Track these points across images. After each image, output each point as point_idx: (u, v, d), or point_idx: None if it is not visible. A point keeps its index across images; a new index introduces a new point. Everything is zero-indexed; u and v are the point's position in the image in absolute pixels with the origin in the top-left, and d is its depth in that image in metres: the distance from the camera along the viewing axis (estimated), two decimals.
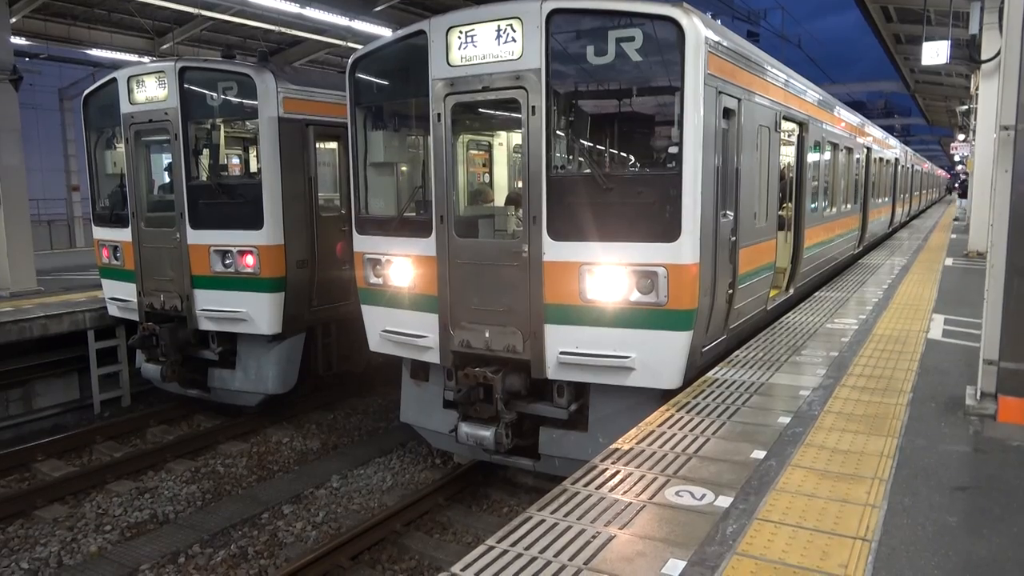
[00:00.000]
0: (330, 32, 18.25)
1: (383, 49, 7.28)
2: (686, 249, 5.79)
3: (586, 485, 4.05)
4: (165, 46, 18.18)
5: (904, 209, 26.93)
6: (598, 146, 6.93)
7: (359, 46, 9.28)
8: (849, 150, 13.54)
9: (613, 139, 6.87)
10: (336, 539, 6.48)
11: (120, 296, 10.09)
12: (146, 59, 16.98)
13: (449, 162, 6.69)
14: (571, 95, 6.40)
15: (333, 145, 9.87)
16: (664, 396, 5.95)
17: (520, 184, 7.04)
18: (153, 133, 9.59)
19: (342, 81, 7.67)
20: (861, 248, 16.17)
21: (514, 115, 6.58)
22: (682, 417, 5.17)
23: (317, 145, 9.30)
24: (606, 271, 6.02)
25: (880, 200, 18.82)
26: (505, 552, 3.34)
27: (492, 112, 8.17)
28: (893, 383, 5.93)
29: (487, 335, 6.55)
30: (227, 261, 8.98)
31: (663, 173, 6.05)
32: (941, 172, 62.06)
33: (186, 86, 9.07)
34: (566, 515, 3.69)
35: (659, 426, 5.00)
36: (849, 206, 14.03)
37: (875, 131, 18.44)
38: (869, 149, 16.19)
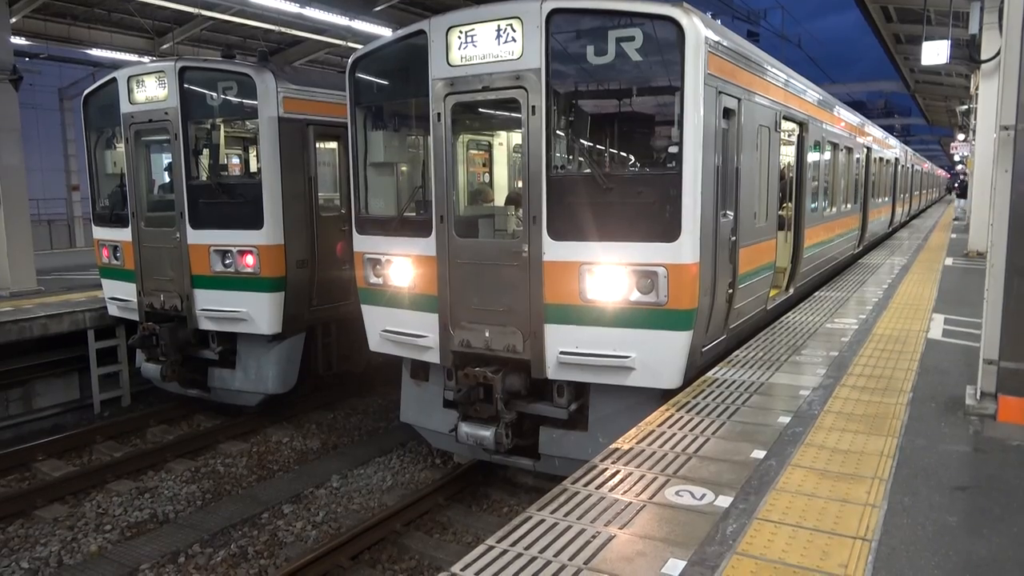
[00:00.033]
0: (330, 32, 18.25)
1: (383, 49, 7.28)
2: (686, 249, 5.80)
3: (586, 485, 4.06)
4: (165, 46, 18.18)
5: (904, 209, 26.93)
6: (598, 146, 6.93)
7: (359, 46, 9.28)
8: (849, 150, 13.54)
9: (613, 139, 6.87)
10: (336, 539, 6.48)
11: (120, 296, 10.09)
12: (146, 59, 16.97)
13: (449, 162, 6.69)
14: (571, 95, 6.40)
15: (333, 145, 9.87)
16: (664, 396, 5.95)
17: (520, 184, 7.05)
18: (153, 133, 9.59)
19: (342, 81, 7.67)
20: (861, 248, 16.17)
21: (514, 115, 6.58)
22: (682, 417, 5.17)
23: (317, 145, 9.30)
24: (606, 271, 6.02)
25: (880, 200, 18.82)
26: (505, 552, 3.34)
27: (492, 112, 8.17)
28: (893, 383, 5.93)
29: (487, 335, 6.55)
30: (227, 261, 8.98)
31: (663, 173, 6.05)
32: (941, 172, 62.06)
33: (186, 86, 9.07)
34: (566, 515, 3.69)
35: (659, 426, 5.00)
36: (849, 206, 14.03)
37: (875, 131, 18.44)
38: (869, 149, 16.19)
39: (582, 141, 6.64)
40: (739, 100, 6.79)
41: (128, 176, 9.72)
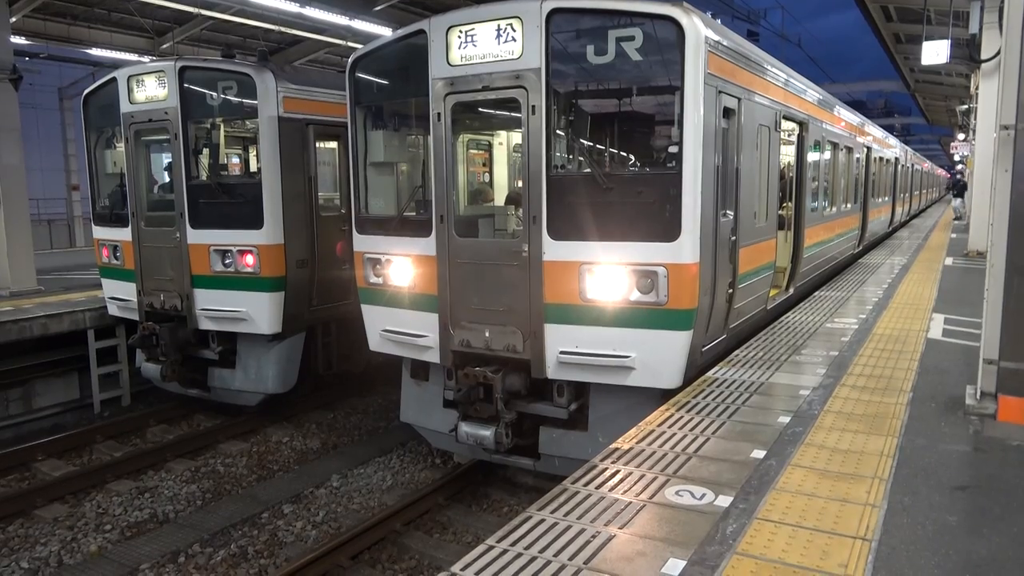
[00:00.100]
0: (330, 31, 18.25)
1: (383, 49, 7.28)
2: (686, 249, 5.79)
3: (586, 485, 4.05)
4: (165, 45, 18.18)
5: (904, 208, 26.93)
6: (598, 145, 6.93)
7: (359, 45, 9.28)
8: (849, 149, 13.54)
9: (613, 139, 6.87)
10: (336, 539, 6.48)
11: (120, 295, 10.09)
12: (146, 58, 16.97)
13: (449, 162, 6.69)
14: (571, 95, 6.40)
15: (333, 144, 9.87)
16: (664, 395, 5.95)
17: (520, 184, 7.05)
18: (153, 132, 9.59)
19: (342, 80, 7.67)
20: (861, 247, 16.17)
21: (514, 115, 6.58)
22: (682, 417, 5.17)
23: (317, 144, 9.30)
24: (606, 271, 6.02)
25: (880, 199, 18.82)
26: (505, 552, 3.34)
27: (492, 111, 8.17)
28: (893, 383, 5.93)
29: (487, 335, 6.55)
30: (227, 261, 8.98)
31: (663, 172, 6.05)
32: (941, 171, 62.07)
33: (186, 85, 9.07)
34: (566, 515, 3.69)
35: (659, 426, 5.00)
36: (849, 205, 14.03)
37: (875, 130, 18.44)
38: (869, 148, 16.19)
39: (582, 141, 6.64)
40: (739, 100, 6.79)
41: (128, 176, 9.72)
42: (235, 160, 11.34)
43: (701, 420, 5.08)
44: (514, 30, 6.16)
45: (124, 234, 9.88)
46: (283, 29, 17.34)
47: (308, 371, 9.89)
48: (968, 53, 14.89)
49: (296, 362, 9.54)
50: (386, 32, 13.58)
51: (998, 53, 10.80)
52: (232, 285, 8.99)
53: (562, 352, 6.26)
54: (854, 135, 14.20)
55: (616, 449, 4.58)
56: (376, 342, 7.56)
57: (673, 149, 5.87)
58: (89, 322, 10.34)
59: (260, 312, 8.93)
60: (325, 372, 10.27)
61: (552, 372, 6.39)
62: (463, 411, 6.75)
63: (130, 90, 9.47)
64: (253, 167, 10.32)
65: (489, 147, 10.29)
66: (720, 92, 6.22)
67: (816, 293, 10.66)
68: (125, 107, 9.54)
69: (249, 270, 8.87)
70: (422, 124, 6.91)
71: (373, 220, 7.50)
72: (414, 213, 7.36)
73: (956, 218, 29.08)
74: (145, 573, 6.26)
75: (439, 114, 6.63)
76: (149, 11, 16.38)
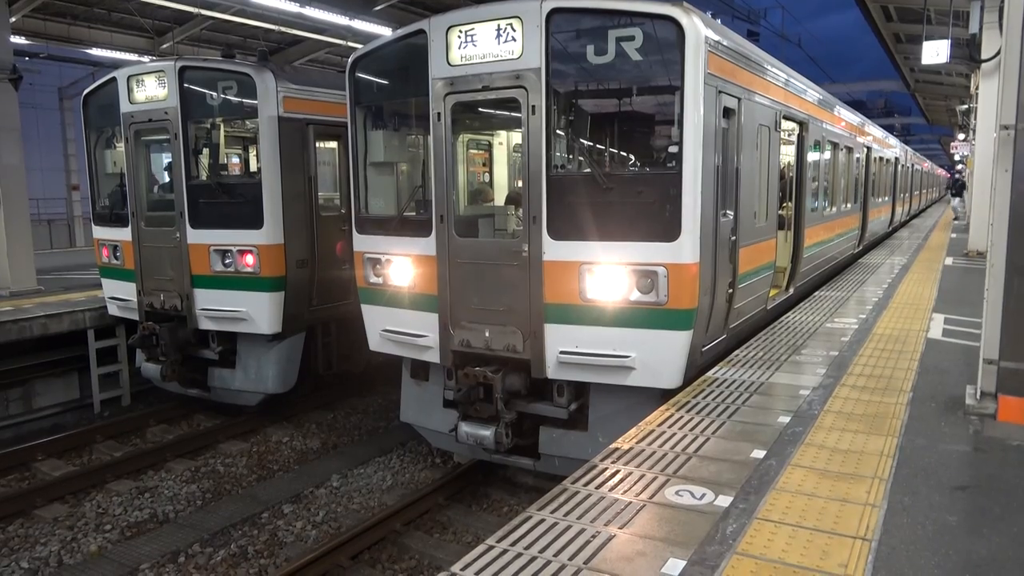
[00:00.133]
0: (330, 31, 18.25)
1: (383, 48, 7.28)
2: (686, 248, 5.79)
3: (586, 485, 4.05)
4: (165, 45, 18.18)
5: (904, 208, 26.93)
6: (598, 145, 6.93)
7: (359, 45, 9.28)
8: (849, 149, 13.54)
9: (613, 138, 6.87)
10: (336, 538, 6.48)
11: (120, 295, 10.09)
12: (146, 58, 16.97)
13: (449, 161, 6.69)
14: (571, 94, 6.40)
15: (333, 144, 9.87)
16: (664, 395, 5.95)
17: (520, 183, 7.05)
18: (153, 132, 9.59)
19: (342, 80, 7.67)
20: (861, 247, 16.17)
21: (514, 114, 6.58)
22: (682, 416, 5.17)
23: (317, 144, 9.30)
24: (606, 270, 6.02)
25: (880, 199, 18.82)
26: (505, 551, 3.34)
27: (492, 111, 8.17)
28: (893, 382, 5.93)
29: (487, 334, 6.55)
30: (227, 260, 8.98)
31: (663, 172, 6.05)
32: (941, 171, 62.05)
33: (186, 85, 9.07)
34: (566, 515, 3.69)
35: (659, 425, 5.00)
36: (849, 205, 14.03)
37: (875, 130, 18.44)
38: (869, 148, 16.19)
39: (582, 141, 6.64)
40: (739, 100, 6.79)
41: (128, 176, 9.72)
42: (235, 160, 11.34)
43: (701, 420, 5.08)
44: (514, 30, 6.16)
45: (124, 234, 9.88)
46: (283, 29, 17.34)
47: (308, 371, 9.88)
48: (968, 53, 14.88)
49: (296, 362, 9.54)
50: (386, 32, 13.58)
51: (998, 53, 10.80)
52: (232, 285, 8.99)
53: (562, 352, 6.26)
54: (854, 135, 14.20)
55: (616, 449, 4.58)
56: (376, 342, 7.56)
57: (673, 149, 5.87)
58: (89, 322, 10.34)
59: (260, 312, 8.93)
60: (325, 372, 10.27)
61: (552, 372, 6.39)
62: (463, 411, 6.75)
63: (130, 90, 9.47)
64: (253, 167, 10.32)
65: (489, 147, 10.29)
66: (720, 92, 6.22)
67: (816, 293, 10.66)
68: (125, 107, 9.54)
69: (249, 270, 8.87)
70: (422, 124, 6.91)
71: (373, 220, 7.50)
72: (414, 213, 7.35)
73: (955, 218, 29.15)
74: (145, 573, 6.26)
75: (439, 114, 6.63)
76: (149, 11, 16.38)
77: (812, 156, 10.45)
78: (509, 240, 6.97)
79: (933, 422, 4.99)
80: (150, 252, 9.64)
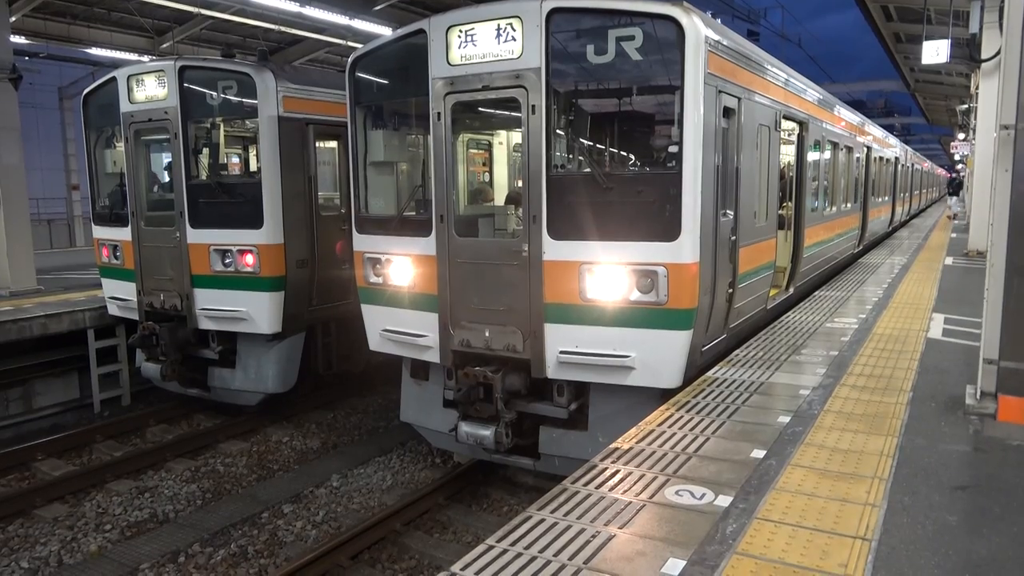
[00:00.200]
0: (330, 31, 18.26)
1: (383, 48, 7.28)
2: (686, 248, 5.79)
3: (586, 484, 4.05)
4: (165, 45, 18.18)
5: (904, 208, 26.93)
6: (598, 145, 6.92)
7: (359, 45, 9.28)
8: (849, 149, 13.54)
9: (613, 138, 6.87)
10: (336, 538, 6.48)
11: (120, 295, 10.09)
12: (146, 58, 16.97)
13: (449, 161, 6.69)
14: (571, 94, 6.40)
15: (333, 144, 9.87)
16: (664, 395, 5.95)
17: (520, 183, 7.04)
18: (153, 132, 9.59)
19: (342, 80, 7.67)
20: (861, 247, 16.17)
21: (514, 114, 6.58)
22: (682, 416, 5.17)
23: (317, 144, 9.29)
24: (606, 270, 6.01)
25: (880, 199, 18.82)
26: (505, 551, 3.34)
27: (492, 111, 8.17)
28: (893, 382, 5.93)
29: (487, 334, 6.55)
30: (227, 260, 8.98)
31: (663, 172, 6.05)
32: (941, 171, 62.06)
33: (186, 85, 9.07)
34: (566, 514, 3.69)
35: (659, 425, 5.00)
36: (849, 205, 14.03)
37: (875, 130, 18.44)
38: (869, 148, 16.19)
39: (582, 140, 6.64)
40: (739, 99, 6.79)
41: (128, 175, 9.72)
42: (235, 160, 11.34)
43: (701, 420, 5.08)
44: (514, 30, 6.16)
45: (124, 234, 9.88)
46: (283, 29, 17.35)
47: (308, 371, 9.88)
48: (968, 53, 14.90)
49: (296, 362, 9.54)
50: (386, 32, 13.59)
51: (998, 53, 10.80)
52: (232, 285, 8.99)
53: (562, 352, 6.26)
54: (854, 135, 14.20)
55: (616, 449, 4.58)
56: (376, 342, 7.56)
57: (673, 149, 5.87)
58: (89, 322, 10.34)
59: (260, 312, 8.93)
60: (325, 372, 10.27)
61: (552, 372, 6.39)
62: (463, 411, 6.75)
63: (130, 90, 9.47)
64: (253, 167, 10.32)
65: (489, 146, 10.29)
66: (720, 92, 6.22)
67: (816, 293, 10.66)
68: (125, 107, 9.54)
69: (249, 270, 8.87)
70: (422, 124, 6.91)
71: (373, 220, 7.49)
72: (414, 213, 7.35)
73: (951, 216, 29.26)
74: (145, 573, 6.26)
75: (439, 114, 6.63)
76: (149, 10, 16.38)
77: (812, 156, 10.45)
78: (509, 240, 6.97)
79: (933, 422, 4.99)
80: (150, 252, 9.64)
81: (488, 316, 6.57)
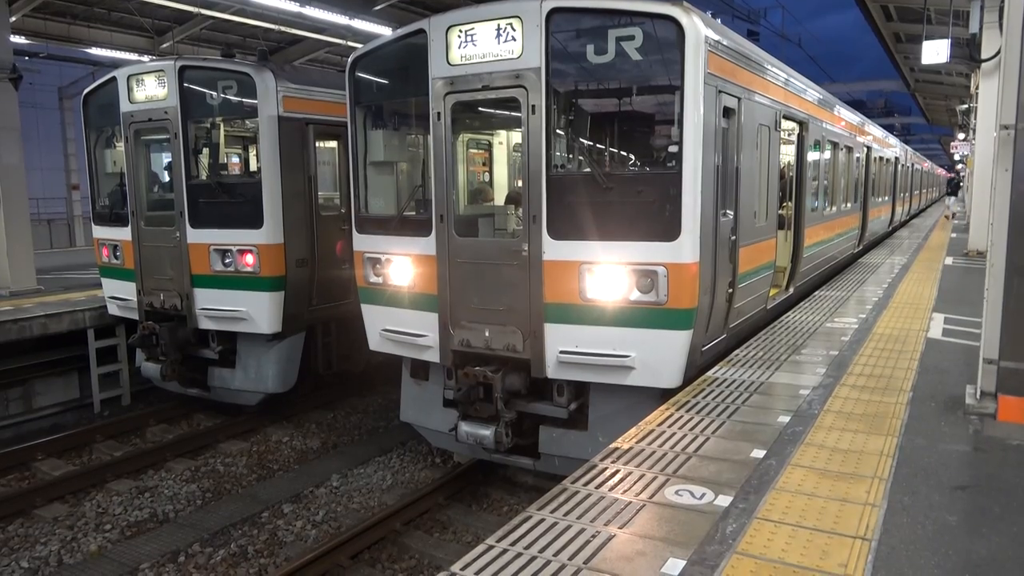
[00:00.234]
0: (330, 31, 18.26)
1: (383, 48, 7.28)
2: (686, 248, 5.79)
3: (586, 484, 4.05)
4: (165, 45, 18.18)
5: (904, 208, 26.94)
6: (598, 145, 6.92)
7: (359, 45, 9.28)
8: (849, 149, 13.54)
9: (613, 138, 6.87)
10: (336, 538, 6.48)
11: (120, 295, 10.09)
12: (146, 58, 16.97)
13: (449, 161, 6.69)
14: (571, 94, 6.40)
15: (333, 144, 9.87)
16: (664, 395, 5.95)
17: (520, 183, 7.05)
18: (153, 132, 9.59)
19: (342, 80, 7.67)
20: (861, 247, 16.17)
21: (514, 114, 6.58)
22: (682, 416, 5.17)
23: (317, 144, 9.29)
24: (606, 270, 6.01)
25: (880, 199, 18.82)
26: (505, 551, 3.34)
27: (492, 111, 8.16)
28: (893, 382, 5.93)
29: (487, 334, 6.55)
30: (227, 260, 8.98)
31: (663, 172, 6.05)
32: (941, 171, 62.07)
33: (186, 85, 9.06)
34: (566, 514, 3.69)
35: (659, 425, 5.00)
36: (849, 205, 14.03)
37: (875, 130, 18.44)
38: (869, 148, 16.19)
39: (582, 140, 6.64)
40: (739, 99, 6.79)
41: (128, 175, 9.72)
42: (235, 160, 11.34)
43: (701, 420, 5.08)
44: (514, 29, 6.16)
45: (124, 233, 9.88)
46: (283, 28, 17.34)
47: (308, 371, 9.88)
48: (968, 53, 14.89)
49: (296, 362, 9.54)
50: (386, 31, 13.59)
51: (998, 53, 10.80)
52: (232, 285, 8.99)
53: (562, 352, 6.26)
54: (854, 135, 14.19)
55: (616, 449, 4.58)
56: (376, 342, 7.56)
57: (673, 149, 5.87)
58: (89, 322, 10.34)
59: (260, 312, 8.93)
60: (325, 372, 10.27)
61: (552, 372, 6.39)
62: (463, 410, 6.75)
63: (130, 89, 9.47)
64: (253, 167, 10.32)
65: (489, 146, 10.29)
66: (720, 92, 6.22)
67: (816, 293, 10.66)
68: (125, 106, 9.54)
69: (249, 270, 8.87)
70: (422, 123, 6.91)
71: (373, 219, 7.49)
72: (414, 212, 7.35)
73: (949, 216, 29.35)
74: (145, 573, 6.26)
75: (439, 113, 6.63)
76: (149, 10, 16.38)
77: (812, 156, 10.45)
78: (509, 240, 6.97)
79: (933, 422, 4.99)
80: (150, 252, 9.64)
81: (488, 316, 6.57)
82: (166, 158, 9.77)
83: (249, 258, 8.85)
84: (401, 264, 7.09)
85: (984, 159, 14.02)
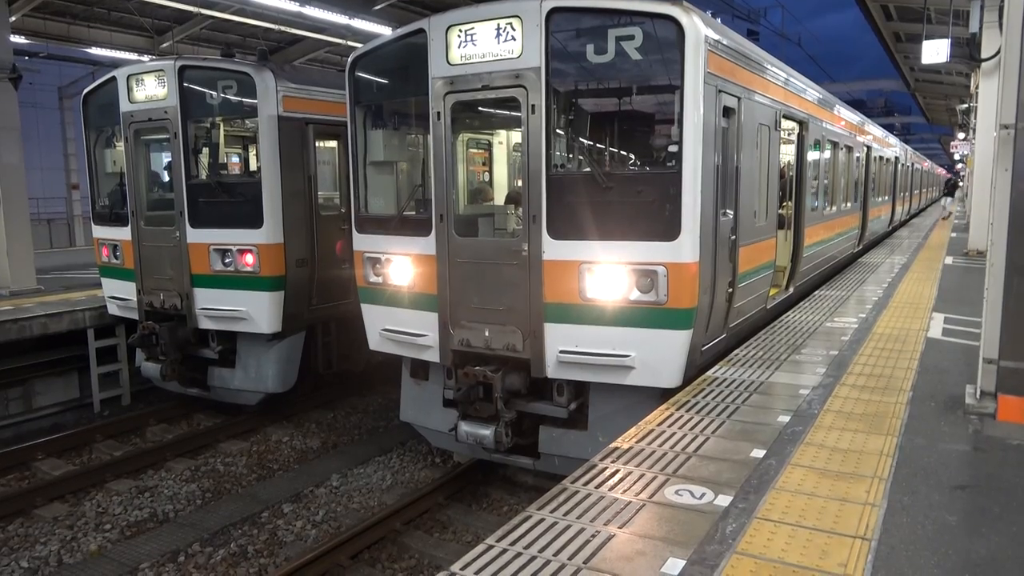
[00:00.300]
0: (330, 31, 18.26)
1: (383, 48, 7.27)
2: (686, 248, 5.79)
3: (586, 484, 4.05)
4: (165, 44, 18.19)
5: (904, 207, 26.95)
6: (598, 145, 6.92)
7: (359, 45, 9.28)
8: (849, 148, 13.53)
9: (613, 138, 6.87)
10: (336, 538, 6.48)
11: (120, 295, 10.09)
12: (146, 57, 16.97)
13: (449, 161, 6.69)
14: (571, 94, 6.40)
15: (333, 144, 9.87)
16: (664, 395, 5.95)
17: (520, 183, 7.04)
18: (153, 132, 9.58)
19: (342, 80, 7.67)
20: (861, 247, 16.17)
21: (514, 114, 6.58)
22: (682, 416, 5.17)
23: (317, 144, 9.29)
24: (606, 270, 6.01)
25: (880, 198, 18.82)
26: (505, 551, 3.34)
27: (492, 111, 8.16)
28: (893, 382, 5.93)
29: (487, 334, 6.55)
30: (227, 260, 8.98)
31: (663, 172, 6.05)
32: (941, 171, 62.10)
33: (186, 85, 9.06)
34: (566, 514, 3.69)
35: (659, 425, 5.00)
36: (849, 204, 14.03)
37: (875, 130, 18.44)
38: (869, 148, 16.19)
39: (582, 140, 6.64)
40: (739, 99, 6.79)
41: (128, 175, 9.72)
42: (235, 159, 11.34)
43: (701, 419, 5.08)
44: (514, 29, 6.16)
45: (124, 233, 9.87)
46: (283, 28, 17.34)
47: (308, 370, 9.88)
48: (968, 52, 14.88)
49: (296, 361, 9.54)
50: (386, 31, 13.58)
51: (998, 52, 10.79)
52: (232, 284, 8.99)
53: (562, 351, 6.26)
54: (854, 134, 14.19)
55: (616, 448, 4.58)
56: (376, 341, 7.56)
57: (673, 148, 5.87)
58: (89, 321, 10.34)
59: (260, 311, 8.93)
60: (325, 371, 10.27)
61: (552, 371, 6.39)
62: (463, 410, 6.75)
63: (130, 89, 9.47)
64: (253, 166, 10.32)
65: (489, 146, 10.28)
66: (720, 91, 6.22)
67: (816, 292, 10.66)
68: (125, 106, 9.54)
69: (249, 269, 8.87)
70: (422, 123, 6.91)
71: (373, 219, 7.49)
72: (414, 212, 7.36)
73: (945, 217, 29.46)
74: (145, 572, 6.26)
75: (439, 113, 6.62)
76: (149, 10, 16.38)
77: (812, 155, 10.45)
78: (509, 239, 6.97)
79: (933, 421, 4.99)
80: (150, 251, 9.64)
81: (488, 316, 6.56)
82: (166, 158, 9.77)
83: (249, 258, 8.85)
84: (401, 264, 7.09)
85: (984, 159, 14.02)
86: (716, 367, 6.49)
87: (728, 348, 7.20)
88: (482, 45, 6.32)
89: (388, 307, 7.30)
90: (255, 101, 8.73)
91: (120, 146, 9.86)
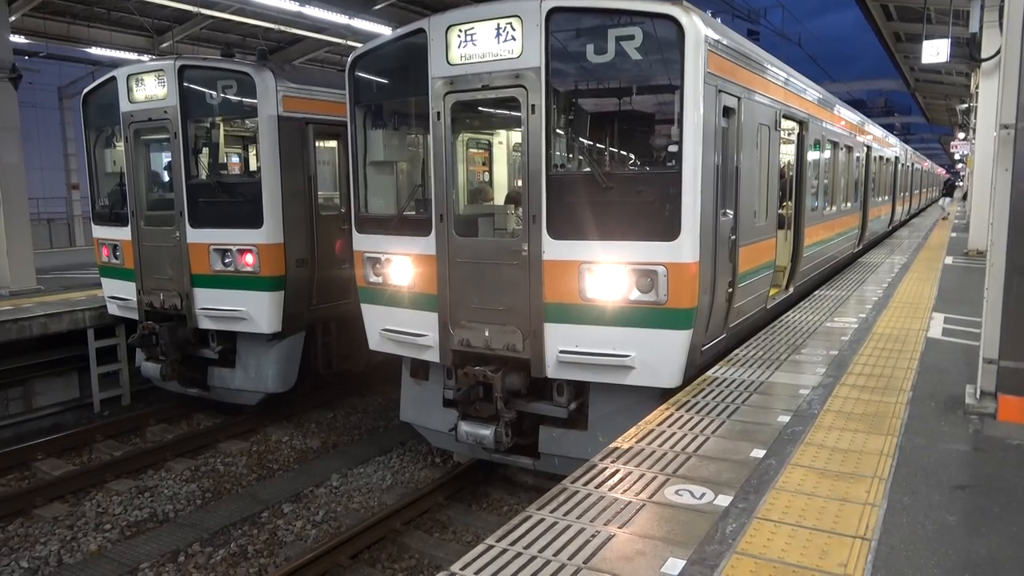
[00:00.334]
0: (330, 30, 18.26)
1: (383, 47, 7.27)
2: (686, 248, 5.79)
3: (586, 484, 4.05)
4: (165, 44, 18.19)
5: (904, 207, 26.95)
6: (598, 145, 6.92)
7: (358, 44, 9.27)
8: (849, 148, 13.53)
9: (613, 138, 6.87)
10: (336, 538, 6.48)
11: (120, 295, 10.09)
12: (146, 57, 16.97)
13: (449, 161, 6.69)
14: (571, 94, 6.39)
15: (333, 144, 9.87)
16: (664, 395, 5.95)
17: (520, 183, 7.05)
18: (153, 132, 9.58)
19: (342, 79, 7.67)
20: (861, 247, 16.17)
21: (514, 113, 6.58)
22: (682, 416, 5.17)
23: (317, 144, 9.29)
24: (606, 270, 6.01)
25: (880, 198, 18.82)
26: (505, 551, 3.34)
27: (492, 111, 8.16)
28: (893, 382, 5.93)
29: (487, 334, 6.55)
30: (227, 260, 8.98)
31: (663, 172, 6.05)
32: (941, 171, 62.12)
33: (186, 84, 9.06)
34: (566, 514, 3.69)
35: (659, 425, 5.00)
36: (849, 204, 14.03)
37: (875, 129, 18.44)
38: (869, 147, 16.19)
39: (582, 140, 6.64)
40: (739, 99, 6.79)
41: (128, 175, 9.72)
42: (235, 159, 11.34)
43: (701, 419, 5.08)
44: (514, 29, 6.16)
45: (124, 233, 9.87)
46: (283, 28, 17.34)
47: (308, 370, 9.88)
48: (968, 52, 14.89)
49: (296, 361, 9.54)
50: (386, 31, 13.59)
51: (998, 52, 10.80)
52: (232, 284, 8.99)
53: (562, 351, 6.26)
54: (854, 134, 14.19)
55: (616, 448, 4.58)
56: (376, 341, 7.56)
57: (673, 148, 5.87)
58: (89, 321, 10.34)
59: (260, 311, 8.93)
60: (325, 371, 10.27)
61: (552, 371, 6.39)
62: (463, 410, 6.75)
63: (130, 89, 9.47)
64: (253, 166, 10.32)
65: (489, 146, 10.28)
66: (720, 91, 6.22)
67: (816, 292, 10.66)
68: (125, 106, 9.53)
69: (249, 269, 8.87)
70: (422, 123, 6.91)
71: (373, 219, 7.49)
72: (414, 212, 7.36)
73: (944, 217, 29.52)
74: (145, 572, 6.26)
75: (439, 113, 6.62)
76: (149, 10, 16.39)
77: (812, 155, 10.45)
78: (509, 239, 6.97)
79: (933, 421, 4.99)
80: (150, 251, 9.64)
81: (488, 316, 6.56)
82: (166, 158, 9.77)
83: (249, 258, 8.85)
84: (401, 264, 7.09)
85: (984, 158, 14.02)
86: (716, 367, 6.49)
87: (728, 348, 7.20)
88: (482, 45, 6.32)
89: (388, 307, 7.30)
90: (255, 101, 8.73)
91: (120, 146, 9.86)
